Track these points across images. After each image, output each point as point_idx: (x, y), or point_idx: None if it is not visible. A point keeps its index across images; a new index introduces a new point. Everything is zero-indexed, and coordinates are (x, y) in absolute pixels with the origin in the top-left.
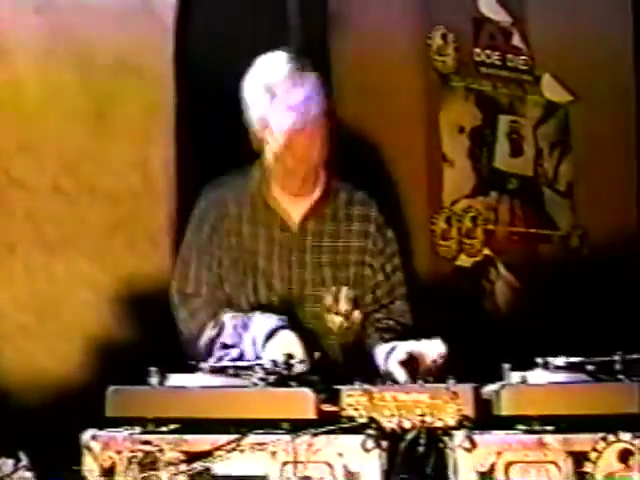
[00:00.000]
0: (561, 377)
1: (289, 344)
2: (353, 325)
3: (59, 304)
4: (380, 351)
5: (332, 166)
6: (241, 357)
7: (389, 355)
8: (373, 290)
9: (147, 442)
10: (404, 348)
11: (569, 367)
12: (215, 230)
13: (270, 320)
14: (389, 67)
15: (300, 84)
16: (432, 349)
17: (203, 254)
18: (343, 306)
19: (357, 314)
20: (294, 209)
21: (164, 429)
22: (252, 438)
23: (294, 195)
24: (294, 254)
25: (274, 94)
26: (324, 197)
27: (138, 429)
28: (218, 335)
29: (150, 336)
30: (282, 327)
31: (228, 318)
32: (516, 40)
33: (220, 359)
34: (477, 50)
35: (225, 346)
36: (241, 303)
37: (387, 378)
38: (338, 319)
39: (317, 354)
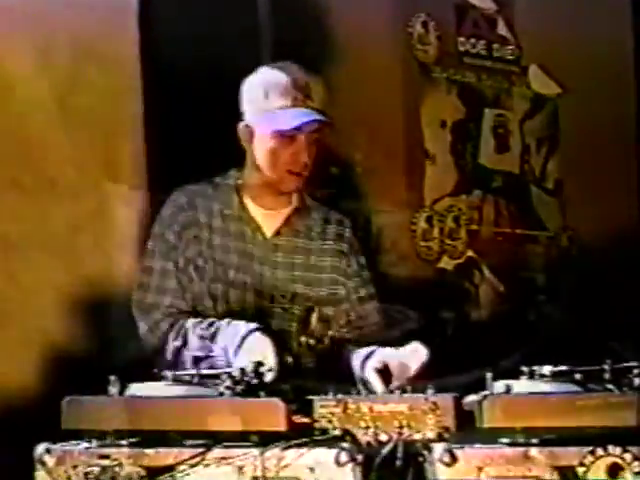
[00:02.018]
0: (548, 387)
1: (262, 348)
2: (324, 344)
3: (17, 307)
4: (356, 357)
5: (310, 182)
6: (212, 368)
7: (365, 362)
8: (347, 312)
9: (105, 456)
10: (382, 355)
11: (556, 376)
12: (181, 238)
13: (239, 327)
14: (366, 57)
15: (301, 97)
16: (413, 356)
17: (166, 261)
18: (315, 326)
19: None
20: (267, 222)
21: (123, 442)
22: (218, 451)
23: (267, 208)
24: (266, 268)
25: (274, 98)
26: (298, 212)
27: (95, 442)
28: (184, 345)
29: (113, 343)
30: (254, 330)
31: (191, 326)
32: (502, 28)
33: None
34: (461, 39)
35: (196, 360)
36: (208, 315)
37: (363, 387)
38: (310, 340)
39: (289, 359)
